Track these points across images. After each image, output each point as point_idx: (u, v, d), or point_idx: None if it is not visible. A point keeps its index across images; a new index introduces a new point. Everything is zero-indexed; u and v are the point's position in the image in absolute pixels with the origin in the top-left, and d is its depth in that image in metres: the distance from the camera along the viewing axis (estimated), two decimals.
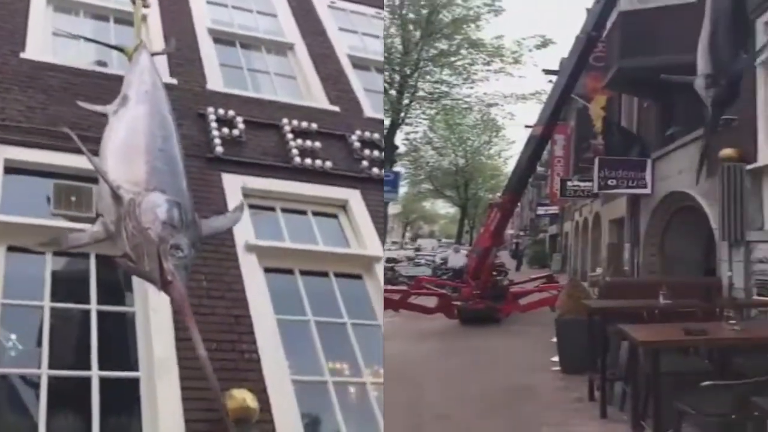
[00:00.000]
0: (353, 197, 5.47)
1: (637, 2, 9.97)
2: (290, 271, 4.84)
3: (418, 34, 18.19)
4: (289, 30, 6.87)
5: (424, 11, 17.84)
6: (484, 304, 11.17)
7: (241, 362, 4.12)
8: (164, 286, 3.40)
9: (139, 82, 4.50)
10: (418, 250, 37.41)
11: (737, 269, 7.18)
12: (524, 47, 18.99)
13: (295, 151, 5.49)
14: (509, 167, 35.40)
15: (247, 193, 5.09)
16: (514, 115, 63.41)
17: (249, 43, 6.63)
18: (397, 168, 22.56)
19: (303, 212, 5.32)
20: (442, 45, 18.73)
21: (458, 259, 16.33)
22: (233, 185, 5.09)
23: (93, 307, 4.15)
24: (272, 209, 5.22)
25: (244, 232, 4.80)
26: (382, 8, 8.04)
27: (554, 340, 7.64)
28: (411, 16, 18.05)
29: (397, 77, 17.21)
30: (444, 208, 55.23)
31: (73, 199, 4.68)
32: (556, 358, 7.33)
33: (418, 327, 10.78)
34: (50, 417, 3.61)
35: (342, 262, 5.03)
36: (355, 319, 4.74)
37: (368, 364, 4.53)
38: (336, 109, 6.15)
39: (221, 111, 5.51)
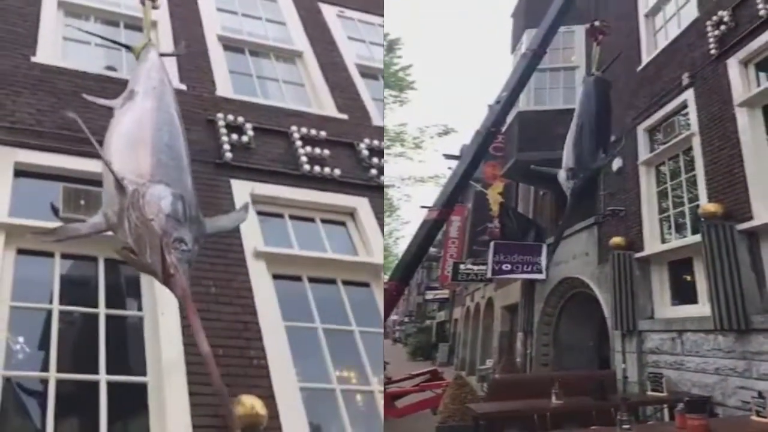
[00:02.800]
0: (361, 205, 5.46)
1: (534, 104, 10.94)
2: (298, 278, 4.82)
3: None
4: (297, 38, 6.90)
5: None
6: None
7: (249, 368, 4.10)
8: (166, 279, 3.25)
9: (146, 78, 4.44)
10: None
11: (630, 360, 7.29)
12: (426, 134, 19.69)
13: (303, 159, 5.50)
14: (400, 248, 34.61)
15: (255, 200, 5.08)
16: (410, 196, 65.13)
17: (258, 51, 6.65)
18: None
19: (311, 219, 5.31)
20: None
21: None
22: (242, 191, 5.08)
23: (101, 310, 4.13)
24: (281, 216, 5.21)
25: (253, 238, 4.79)
26: (381, 15, 8.04)
27: None
28: None
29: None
30: None
31: (83, 202, 4.67)
32: None
33: None
34: (57, 421, 3.59)
35: (350, 269, 5.02)
36: (363, 326, 4.72)
37: (376, 371, 4.51)
38: (344, 117, 6.17)
39: (230, 117, 5.51)
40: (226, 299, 4.38)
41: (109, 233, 3.51)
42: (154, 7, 5.29)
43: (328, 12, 7.40)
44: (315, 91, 6.39)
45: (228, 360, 4.08)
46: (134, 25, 6.14)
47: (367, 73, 6.90)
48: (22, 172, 4.64)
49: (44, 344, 3.93)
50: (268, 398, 3.88)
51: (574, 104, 9.68)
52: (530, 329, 11.49)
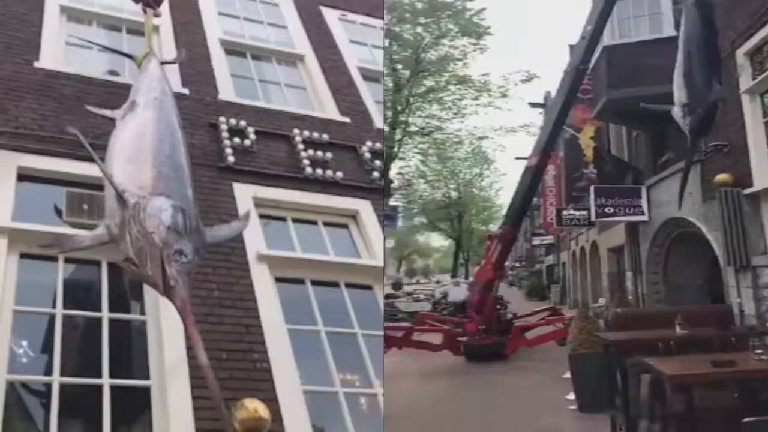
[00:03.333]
0: (364, 208, 5.47)
1: (619, 37, 10.36)
2: (301, 281, 4.83)
3: (407, 72, 18.61)
4: (299, 41, 6.91)
5: (411, 51, 18.31)
6: (491, 340, 10.88)
7: (252, 372, 4.10)
8: (166, 290, 3.33)
9: (147, 89, 4.48)
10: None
11: (746, 295, 7.18)
12: (510, 82, 19.55)
13: (306, 162, 5.50)
14: (501, 199, 36.02)
15: (258, 203, 5.09)
16: (504, 147, 64.88)
17: (260, 55, 6.66)
18: (392, 202, 22.89)
19: (314, 222, 5.31)
20: (431, 82, 19.19)
21: (459, 293, 15.93)
22: (244, 195, 5.09)
23: (105, 315, 4.14)
24: (283, 219, 5.21)
25: (256, 242, 4.80)
26: (382, 18, 8.07)
27: (566, 375, 7.38)
28: (399, 56, 18.55)
29: (389, 113, 17.55)
30: (438, 241, 55.31)
31: (85, 207, 4.69)
32: (571, 396, 7.07)
33: (424, 365, 10.38)
34: (61, 425, 3.59)
35: (352, 272, 5.02)
36: (366, 329, 4.72)
37: (379, 374, 4.50)
38: (347, 120, 6.17)
39: (233, 121, 5.53)
40: (229, 302, 4.38)
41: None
42: (156, 15, 5.32)
43: (330, 15, 7.41)
44: (317, 95, 6.40)
45: (231, 363, 4.08)
46: (136, 30, 6.17)
47: (369, 76, 6.91)
48: (25, 176, 4.66)
49: (47, 348, 3.94)
50: (271, 401, 3.87)
51: (661, 33, 9.29)
52: (638, 269, 11.53)
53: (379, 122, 6.31)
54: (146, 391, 3.87)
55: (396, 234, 39.27)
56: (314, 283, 4.85)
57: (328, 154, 5.66)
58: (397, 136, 19.21)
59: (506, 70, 25.64)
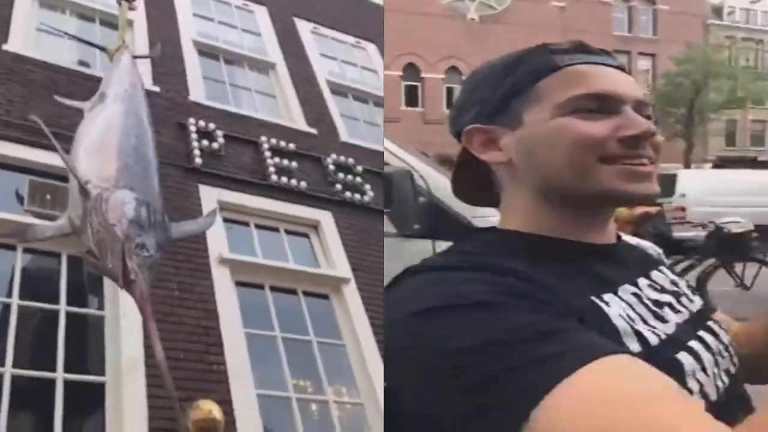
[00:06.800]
0: (325, 219, 5.62)
1: None
2: (261, 287, 4.93)
3: None
4: (272, 50, 7.01)
5: None
6: None
7: (208, 373, 4.18)
8: (126, 284, 3.31)
9: (117, 82, 4.49)
10: None
11: None
12: None
13: (272, 169, 5.61)
14: None
15: (222, 206, 5.16)
16: None
17: (232, 59, 6.73)
18: None
19: (276, 230, 5.43)
20: None
21: None
22: (210, 197, 5.16)
23: (62, 308, 4.13)
24: (246, 224, 5.31)
25: (218, 244, 4.87)
26: (356, 36, 8.23)
27: None
28: None
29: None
30: None
31: (48, 197, 4.66)
32: None
33: None
34: (11, 417, 3.58)
35: (311, 281, 5.16)
36: (321, 337, 4.87)
37: (331, 382, 4.65)
38: (313, 131, 6.32)
39: (202, 123, 5.58)
40: (190, 303, 4.45)
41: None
42: (131, 8, 5.33)
43: (303, 27, 7.54)
44: (286, 104, 6.52)
45: (188, 364, 4.15)
46: (110, 22, 6.13)
47: (337, 90, 7.08)
48: None
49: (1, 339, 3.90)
50: (225, 404, 3.96)
51: None
52: None
53: (344, 136, 6.48)
54: (100, 387, 3.89)
55: None
56: (273, 289, 4.97)
57: (294, 164, 5.79)
58: None
59: None
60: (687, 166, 35.55)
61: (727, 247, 8.16)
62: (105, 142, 3.88)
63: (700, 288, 7.17)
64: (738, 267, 8.47)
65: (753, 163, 49.09)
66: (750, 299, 7.86)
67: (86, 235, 3.42)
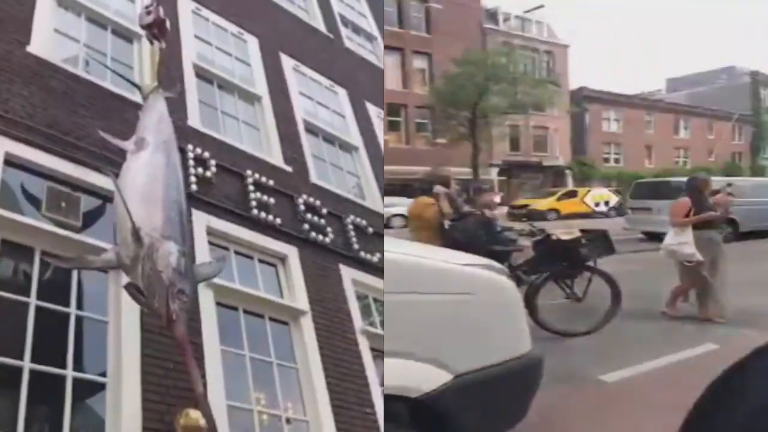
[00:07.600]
0: (292, 254, 6.49)
1: None
2: (236, 309, 5.74)
3: None
4: (259, 82, 7.68)
5: None
6: None
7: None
8: (169, 323, 4.13)
9: (156, 130, 5.10)
10: None
11: None
12: None
13: (253, 203, 6.39)
14: None
15: (210, 232, 5.90)
16: None
17: (224, 86, 7.33)
18: None
19: (250, 257, 6.22)
20: None
21: None
22: (201, 223, 5.87)
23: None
24: (227, 250, 6.06)
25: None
26: (333, 80, 9.05)
27: None
28: None
29: None
30: None
31: (64, 204, 5.16)
32: None
33: None
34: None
35: (275, 309, 6.03)
36: (279, 359, 5.77)
37: (284, 399, 5.58)
38: (289, 169, 7.13)
39: (198, 150, 6.23)
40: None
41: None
42: (162, 48, 5.86)
43: (286, 63, 8.25)
44: (268, 138, 7.25)
45: (176, 374, 4.90)
46: (121, 33, 6.57)
47: (310, 129, 7.90)
48: (10, 163, 5.00)
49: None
50: (206, 414, 4.78)
51: None
52: None
53: (314, 177, 7.35)
54: (101, 386, 4.57)
55: None
56: (246, 312, 5.79)
57: (272, 200, 6.59)
58: None
59: None
60: (474, 169, 35.86)
61: (558, 256, 7.52)
62: (151, 194, 4.55)
63: (529, 304, 6.66)
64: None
65: (538, 168, 51.32)
66: (584, 311, 7.57)
67: (135, 273, 4.16)
